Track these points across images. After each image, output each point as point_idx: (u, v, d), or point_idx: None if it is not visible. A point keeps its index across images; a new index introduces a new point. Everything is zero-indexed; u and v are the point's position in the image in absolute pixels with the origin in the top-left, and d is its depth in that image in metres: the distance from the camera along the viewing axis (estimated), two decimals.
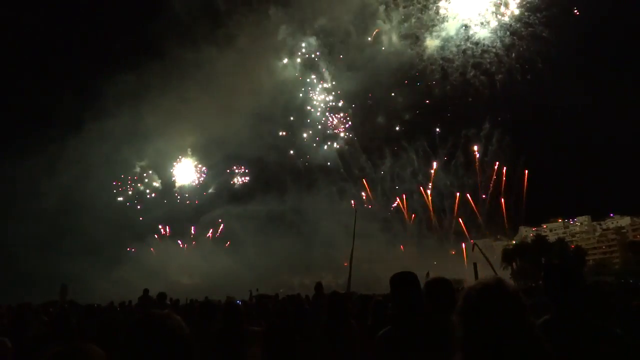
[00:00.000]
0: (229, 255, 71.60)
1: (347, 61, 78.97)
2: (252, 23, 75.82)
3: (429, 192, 79.52)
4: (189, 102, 74.21)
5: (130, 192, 78.90)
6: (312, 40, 78.82)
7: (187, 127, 75.75)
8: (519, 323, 1.85)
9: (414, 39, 76.92)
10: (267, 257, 68.65)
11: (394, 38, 77.31)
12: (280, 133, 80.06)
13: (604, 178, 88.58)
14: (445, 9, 74.16)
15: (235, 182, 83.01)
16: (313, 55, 79.77)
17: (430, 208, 79.92)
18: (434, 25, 75.69)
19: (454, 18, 74.63)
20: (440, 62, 76.80)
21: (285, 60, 79.68)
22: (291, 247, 69.01)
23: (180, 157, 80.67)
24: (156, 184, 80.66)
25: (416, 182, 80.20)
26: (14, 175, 64.04)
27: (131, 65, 76.05)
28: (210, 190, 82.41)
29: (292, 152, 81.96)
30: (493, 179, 77.70)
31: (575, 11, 67.81)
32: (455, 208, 78.55)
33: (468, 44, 75.01)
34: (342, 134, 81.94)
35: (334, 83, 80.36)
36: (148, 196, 79.77)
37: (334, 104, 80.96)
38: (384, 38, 77.50)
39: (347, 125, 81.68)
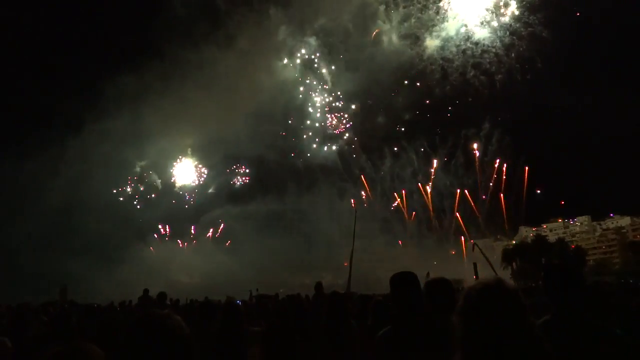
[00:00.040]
0: (229, 255, 71.74)
1: (347, 61, 79.10)
2: (252, 23, 75.93)
3: (428, 189, 79.62)
4: (189, 102, 74.36)
5: (130, 192, 79.07)
6: (312, 40, 78.91)
7: (187, 127, 75.89)
8: (519, 323, 1.85)
9: (414, 38, 77.00)
10: (267, 257, 68.78)
11: (394, 38, 77.39)
12: (281, 133, 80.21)
13: (604, 178, 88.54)
14: (445, 10, 74.24)
15: (236, 182, 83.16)
16: (313, 56, 79.90)
17: (430, 208, 80.00)
18: (433, 25, 75.77)
19: (454, 18, 74.72)
20: (440, 62, 76.88)
21: (285, 61, 79.81)
22: (291, 247, 69.18)
23: (180, 157, 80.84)
24: (156, 184, 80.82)
25: (416, 182, 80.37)
26: (15, 176, 64.23)
27: (131, 65, 76.16)
28: (210, 190, 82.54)
29: (292, 152, 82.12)
30: (493, 178, 77.82)
31: (577, 13, 67.83)
32: (456, 204, 78.66)
33: (468, 44, 75.08)
34: (342, 134, 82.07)
35: (334, 83, 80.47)
36: (148, 196, 79.92)
37: (334, 104, 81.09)
38: (384, 38, 77.60)
39: (347, 125, 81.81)
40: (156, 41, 76.99)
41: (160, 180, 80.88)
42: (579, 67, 77.02)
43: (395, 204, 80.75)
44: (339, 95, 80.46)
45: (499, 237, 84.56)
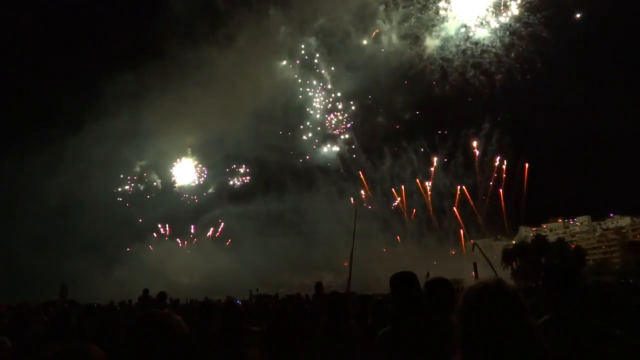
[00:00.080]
0: (229, 255, 71.69)
1: (346, 61, 79.00)
2: (252, 23, 75.89)
3: (427, 186, 79.62)
4: (189, 102, 74.27)
5: (130, 192, 79.06)
6: (312, 40, 78.90)
7: (187, 127, 75.84)
8: (519, 323, 1.85)
9: (414, 38, 76.96)
10: (267, 257, 68.77)
11: (394, 38, 77.34)
12: (280, 133, 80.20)
13: (604, 178, 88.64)
14: (445, 9, 74.23)
15: (236, 182, 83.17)
16: (313, 56, 79.90)
17: (430, 207, 79.99)
18: (433, 25, 75.70)
19: (454, 18, 74.70)
20: (440, 62, 76.83)
21: (285, 61, 79.84)
22: (291, 247, 69.09)
23: (180, 157, 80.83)
24: (156, 183, 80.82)
25: (416, 181, 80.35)
26: (14, 176, 64.13)
27: (131, 65, 75.95)
28: (210, 190, 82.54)
29: (292, 152, 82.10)
30: (493, 177, 77.82)
31: (577, 15, 67.80)
32: (456, 200, 78.68)
33: (468, 44, 75.05)
34: (342, 134, 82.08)
35: (333, 83, 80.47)
36: (148, 196, 79.93)
37: (333, 104, 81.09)
38: (384, 38, 77.56)
39: (347, 125, 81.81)
40: (156, 41, 77.04)
41: (160, 180, 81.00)
42: (578, 67, 77.07)
43: (396, 203, 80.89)
44: (339, 95, 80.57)
45: (499, 237, 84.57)
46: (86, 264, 60.43)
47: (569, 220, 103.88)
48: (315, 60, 79.85)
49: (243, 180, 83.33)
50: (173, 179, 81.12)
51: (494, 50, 74.04)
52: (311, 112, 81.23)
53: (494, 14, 71.99)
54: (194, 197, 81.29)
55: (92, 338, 4.95)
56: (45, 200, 65.35)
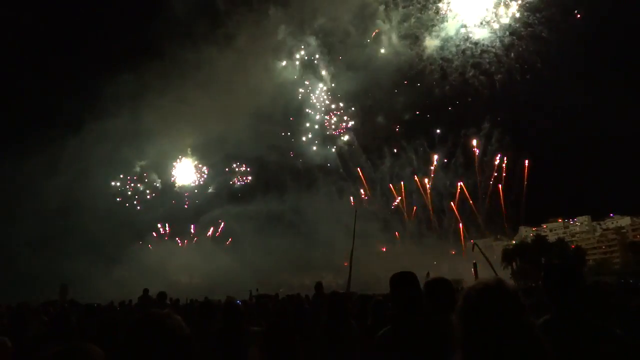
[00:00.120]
0: (229, 255, 71.69)
1: (346, 61, 78.99)
2: (252, 23, 75.88)
3: (427, 184, 79.63)
4: (189, 102, 74.25)
5: (130, 192, 79.05)
6: (312, 40, 78.88)
7: (187, 126, 75.79)
8: (519, 323, 1.85)
9: (414, 39, 76.96)
10: (267, 257, 68.75)
11: (394, 38, 77.33)
12: (280, 133, 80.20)
13: (604, 178, 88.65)
14: (445, 10, 74.23)
15: (236, 181, 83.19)
16: (312, 56, 79.89)
17: (430, 207, 79.98)
18: (433, 25, 75.70)
19: (454, 18, 74.69)
20: (440, 62, 76.84)
21: (285, 61, 79.82)
22: (291, 247, 69.08)
23: (180, 157, 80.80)
24: (156, 183, 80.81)
25: (416, 181, 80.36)
26: (14, 176, 64.07)
27: (131, 65, 75.90)
28: (210, 190, 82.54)
29: (291, 152, 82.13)
30: (494, 176, 77.82)
31: (578, 15, 67.78)
32: (457, 197, 78.70)
33: (467, 44, 75.04)
34: (341, 134, 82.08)
35: (333, 83, 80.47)
36: (148, 196, 79.92)
37: (333, 104, 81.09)
38: (384, 38, 77.57)
39: (346, 126, 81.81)
40: (156, 41, 77.05)
41: (160, 180, 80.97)
42: (578, 67, 77.05)
43: (396, 202, 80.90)
44: (339, 96, 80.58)
45: (499, 237, 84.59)
46: (86, 264, 60.45)
47: (569, 220, 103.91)
48: (315, 60, 79.99)
49: (243, 180, 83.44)
50: (173, 179, 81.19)
51: (493, 50, 74.11)
52: (311, 112, 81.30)
53: (494, 14, 72.08)
54: (193, 197, 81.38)
55: (92, 338, 4.95)
56: (45, 200, 65.42)
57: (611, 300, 5.42)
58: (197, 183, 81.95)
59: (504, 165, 77.19)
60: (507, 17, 71.80)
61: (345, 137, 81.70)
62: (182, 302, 18.15)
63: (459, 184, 78.46)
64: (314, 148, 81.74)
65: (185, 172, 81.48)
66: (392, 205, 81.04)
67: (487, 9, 72.22)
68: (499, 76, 74.65)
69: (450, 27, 75.15)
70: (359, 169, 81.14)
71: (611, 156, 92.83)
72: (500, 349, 1.80)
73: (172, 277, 63.04)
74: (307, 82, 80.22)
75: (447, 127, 79.54)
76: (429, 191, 79.96)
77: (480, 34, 74.15)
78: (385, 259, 66.57)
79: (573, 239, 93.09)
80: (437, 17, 75.21)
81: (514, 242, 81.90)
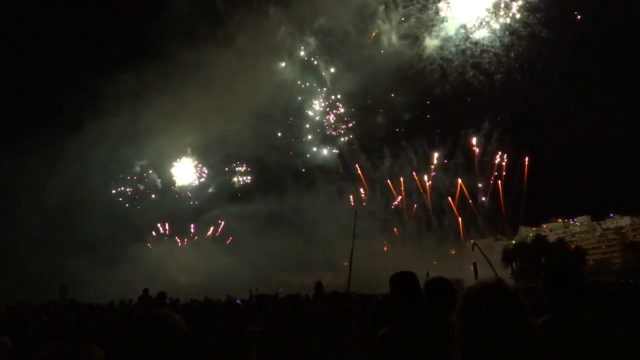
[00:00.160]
0: (229, 254, 71.72)
1: (346, 61, 79.04)
2: (252, 23, 75.88)
3: (426, 182, 79.62)
4: (188, 101, 74.27)
5: (130, 192, 79.07)
6: (312, 40, 78.89)
7: (187, 126, 75.80)
8: (519, 323, 1.84)
9: (413, 38, 76.97)
10: (267, 256, 68.76)
11: (394, 38, 77.34)
12: (280, 133, 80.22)
13: (604, 178, 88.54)
14: (444, 10, 74.21)
15: (236, 181, 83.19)
16: (312, 56, 79.89)
17: (429, 205, 79.97)
18: (433, 25, 75.72)
19: (454, 18, 74.68)
20: (440, 62, 76.88)
21: (285, 61, 79.83)
22: (291, 246, 69.11)
23: (180, 156, 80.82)
24: (156, 183, 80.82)
25: (415, 181, 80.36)
26: (14, 175, 64.07)
27: (131, 65, 75.93)
28: (210, 190, 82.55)
29: (291, 152, 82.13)
30: (494, 175, 77.83)
31: (578, 16, 67.76)
32: (457, 194, 78.69)
33: (467, 44, 75.08)
34: (341, 134, 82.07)
35: (333, 83, 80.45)
36: (148, 196, 79.93)
37: (333, 104, 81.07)
38: (384, 38, 77.58)
39: (346, 126, 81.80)
40: (156, 40, 77.13)
41: (160, 180, 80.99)
42: (578, 67, 77.02)
43: (396, 202, 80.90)
44: (338, 95, 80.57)
45: (499, 237, 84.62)
46: (86, 263, 60.49)
47: (569, 220, 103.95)
48: (315, 60, 79.97)
49: (243, 180, 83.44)
50: (173, 178, 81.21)
51: (493, 50, 74.14)
52: (311, 112, 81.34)
53: (494, 14, 72.06)
54: (193, 197, 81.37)
55: (92, 338, 4.94)
56: (46, 200, 65.38)
57: (611, 300, 5.43)
58: (197, 183, 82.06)
59: (503, 163, 77.29)
60: (507, 17, 71.89)
61: (345, 137, 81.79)
62: (182, 302, 18.12)
63: (458, 180, 78.61)
64: (314, 148, 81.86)
65: (185, 172, 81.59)
66: (392, 205, 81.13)
67: (487, 9, 72.33)
68: (498, 76, 74.77)
69: (450, 27, 75.24)
70: (358, 168, 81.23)
71: (611, 156, 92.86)
72: (500, 349, 1.80)
73: (172, 276, 63.09)
74: (307, 83, 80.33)
75: (447, 127, 79.68)
76: (429, 191, 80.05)
77: (480, 34, 74.25)
78: (385, 259, 66.58)
79: (573, 239, 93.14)
80: (437, 17, 75.30)
81: (514, 242, 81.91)
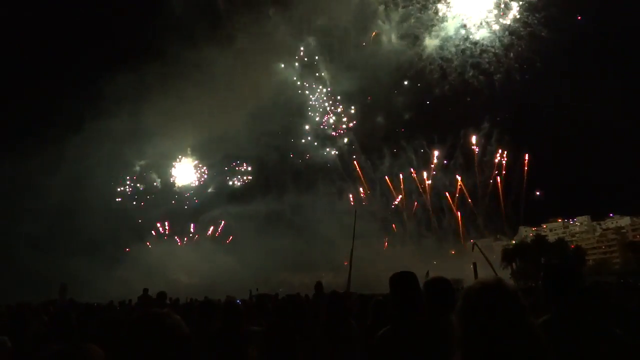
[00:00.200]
0: (229, 254, 71.70)
1: (346, 61, 79.06)
2: (252, 23, 75.88)
3: (426, 180, 79.63)
4: (188, 101, 74.30)
5: (130, 192, 79.07)
6: (312, 40, 78.91)
7: (187, 126, 75.76)
8: (519, 323, 1.84)
9: (413, 38, 77.00)
10: (267, 256, 68.74)
11: (393, 38, 77.37)
12: (280, 133, 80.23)
13: (604, 178, 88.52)
14: (444, 10, 74.21)
15: (236, 181, 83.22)
16: (312, 56, 79.89)
17: (429, 204, 79.98)
18: (433, 25, 75.73)
19: (453, 18, 74.68)
20: (439, 61, 76.89)
21: (285, 61, 79.84)
22: (291, 246, 69.10)
23: (180, 156, 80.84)
24: (156, 183, 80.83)
25: (415, 181, 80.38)
26: (14, 175, 64.06)
27: (131, 65, 75.61)
28: (209, 190, 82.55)
29: (291, 152, 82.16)
30: (494, 174, 77.83)
31: (578, 16, 67.76)
32: (457, 192, 78.71)
33: (467, 44, 75.08)
34: (341, 134, 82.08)
35: (333, 83, 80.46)
36: (148, 196, 79.95)
37: (333, 104, 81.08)
38: (384, 38, 77.59)
39: (346, 125, 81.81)
40: (156, 41, 76.89)
41: (160, 180, 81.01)
42: (578, 67, 77.00)
43: (397, 202, 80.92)
44: (338, 95, 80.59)
45: (498, 237, 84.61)
46: (86, 263, 60.49)
47: (568, 220, 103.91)
48: (315, 60, 79.99)
49: (243, 180, 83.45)
50: (173, 178, 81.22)
51: (493, 50, 74.15)
52: (311, 112, 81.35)
53: (494, 14, 72.05)
54: (193, 196, 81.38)
55: (92, 338, 4.95)
56: (46, 199, 65.41)
57: (611, 300, 5.42)
58: (197, 183, 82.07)
59: (504, 162, 77.30)
60: (506, 17, 71.89)
61: (345, 137, 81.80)
62: (181, 302, 18.13)
63: (458, 177, 78.66)
64: (314, 148, 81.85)
65: (185, 172, 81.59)
66: (392, 205, 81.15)
67: (486, 9, 72.32)
68: (498, 76, 74.80)
69: (449, 27, 75.25)
70: (358, 168, 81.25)
71: (611, 156, 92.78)
72: (500, 349, 1.80)
73: (172, 276, 63.13)
74: (306, 83, 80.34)
75: (447, 126, 79.68)
76: (428, 190, 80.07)
77: (480, 34, 74.25)
78: (385, 258, 66.54)
79: (573, 239, 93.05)
80: (437, 17, 75.31)
81: (513, 242, 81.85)
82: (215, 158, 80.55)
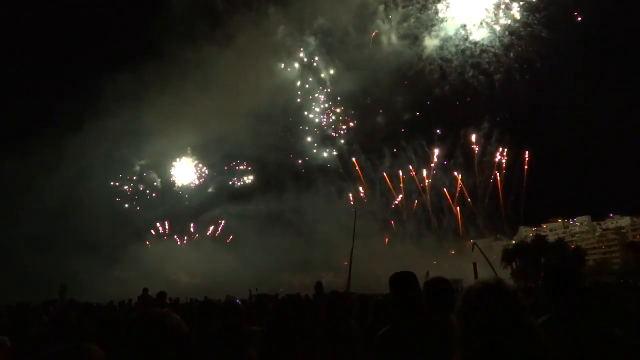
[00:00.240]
0: (229, 254, 71.68)
1: (346, 61, 79.06)
2: (252, 23, 75.88)
3: (425, 179, 79.60)
4: (188, 101, 74.30)
5: (130, 192, 79.06)
6: (311, 40, 78.90)
7: (187, 126, 75.75)
8: (519, 323, 1.84)
9: (413, 38, 77.01)
10: (267, 256, 68.74)
11: (393, 38, 77.37)
12: (280, 133, 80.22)
13: (604, 178, 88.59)
14: (444, 10, 74.18)
15: (235, 181, 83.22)
16: (312, 56, 79.88)
17: (429, 203, 79.95)
18: (432, 25, 75.75)
19: (453, 18, 74.67)
20: (439, 62, 76.91)
21: (285, 61, 79.82)
22: (291, 246, 69.08)
23: (180, 156, 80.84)
24: (156, 183, 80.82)
25: (415, 181, 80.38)
26: (14, 175, 64.04)
27: (131, 65, 75.81)
28: (209, 190, 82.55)
29: (291, 152, 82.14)
30: (494, 173, 77.82)
31: (578, 16, 67.73)
32: (457, 190, 78.70)
33: (467, 44, 75.09)
34: (341, 134, 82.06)
35: (333, 83, 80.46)
36: (148, 196, 79.94)
37: (333, 104, 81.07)
38: (383, 38, 77.57)
39: (346, 125, 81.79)
40: (155, 40, 77.11)
41: (159, 180, 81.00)
42: (578, 67, 77.01)
43: (397, 201, 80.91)
44: (338, 96, 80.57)
45: (498, 237, 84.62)
46: (86, 263, 60.46)
47: (568, 220, 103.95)
48: (315, 60, 79.96)
49: (243, 180, 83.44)
50: (173, 178, 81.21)
51: (493, 50, 74.16)
52: (310, 113, 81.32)
53: (494, 14, 72.02)
54: (193, 196, 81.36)
55: (92, 337, 4.95)
56: (45, 199, 65.39)
57: (611, 300, 5.43)
58: (196, 183, 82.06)
59: (504, 161, 77.28)
60: (506, 17, 71.85)
61: (345, 137, 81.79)
62: (181, 302, 18.13)
63: (457, 175, 78.67)
64: (314, 148, 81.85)
65: (185, 172, 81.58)
66: (392, 205, 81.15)
67: (486, 9, 72.30)
68: (498, 76, 74.83)
69: (449, 27, 75.25)
70: (358, 168, 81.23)
71: (611, 156, 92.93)
72: (500, 349, 1.79)
73: (172, 276, 63.12)
74: (306, 83, 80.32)
75: (447, 126, 79.69)
76: (428, 190, 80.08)
77: (480, 34, 74.24)
78: (385, 258, 66.52)
79: (573, 239, 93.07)
80: (437, 17, 75.29)
81: (513, 242, 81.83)
82: (215, 158, 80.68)
